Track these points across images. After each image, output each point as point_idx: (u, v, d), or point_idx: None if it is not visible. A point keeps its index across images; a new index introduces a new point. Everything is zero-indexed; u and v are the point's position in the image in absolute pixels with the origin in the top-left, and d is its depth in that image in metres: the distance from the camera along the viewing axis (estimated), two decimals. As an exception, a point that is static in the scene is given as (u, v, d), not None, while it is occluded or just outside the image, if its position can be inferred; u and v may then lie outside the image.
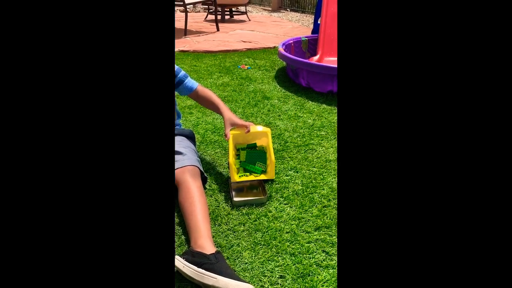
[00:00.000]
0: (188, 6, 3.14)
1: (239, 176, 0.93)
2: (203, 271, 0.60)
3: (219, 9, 4.17)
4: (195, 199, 0.77)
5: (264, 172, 0.96)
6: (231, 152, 0.93)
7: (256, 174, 0.96)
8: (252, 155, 0.97)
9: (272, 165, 0.92)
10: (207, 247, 0.66)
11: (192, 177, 0.83)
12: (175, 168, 0.85)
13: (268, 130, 0.95)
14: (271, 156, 0.93)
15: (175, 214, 0.84)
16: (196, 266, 0.62)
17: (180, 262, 0.63)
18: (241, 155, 0.99)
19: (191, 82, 1.00)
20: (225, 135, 0.91)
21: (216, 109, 0.98)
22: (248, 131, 0.91)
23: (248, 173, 0.96)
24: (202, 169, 0.91)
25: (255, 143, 1.01)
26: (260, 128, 0.96)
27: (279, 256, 0.72)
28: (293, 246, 0.74)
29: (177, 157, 0.90)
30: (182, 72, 1.00)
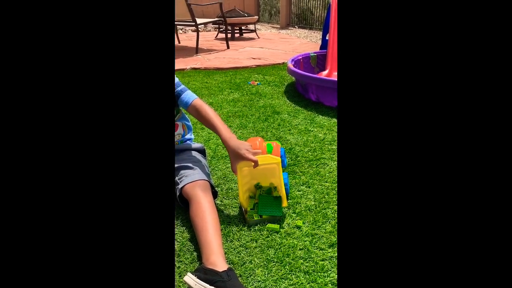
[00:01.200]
0: (199, 26, 3.26)
1: (253, 216, 0.85)
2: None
3: (229, 27, 4.31)
4: (206, 214, 0.77)
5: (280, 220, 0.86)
6: (241, 190, 0.84)
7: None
8: (267, 201, 0.86)
9: (283, 195, 0.86)
10: (219, 264, 0.65)
11: (203, 192, 0.83)
12: (186, 182, 0.86)
13: (278, 160, 0.83)
14: (282, 189, 0.85)
15: (187, 229, 0.83)
16: (208, 284, 0.60)
17: (192, 280, 0.62)
18: (257, 195, 0.87)
19: (187, 96, 0.90)
20: (233, 171, 0.83)
21: (214, 129, 0.86)
22: (256, 165, 0.80)
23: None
24: (213, 183, 0.91)
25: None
26: (267, 156, 0.85)
27: (293, 274, 0.70)
28: (307, 264, 0.72)
29: (188, 171, 0.91)
30: (181, 86, 0.92)
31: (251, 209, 0.86)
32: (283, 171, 1.09)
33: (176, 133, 1.03)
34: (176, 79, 0.95)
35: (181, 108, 0.99)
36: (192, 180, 0.86)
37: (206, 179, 0.88)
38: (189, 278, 0.62)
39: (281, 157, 0.94)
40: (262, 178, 0.87)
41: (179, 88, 0.92)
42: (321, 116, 1.61)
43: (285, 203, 0.86)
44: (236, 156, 0.81)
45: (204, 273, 0.63)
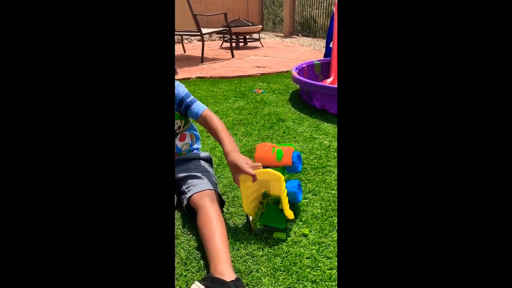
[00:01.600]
0: (204, 35, 3.32)
1: (257, 225, 0.85)
2: None
3: (234, 37, 4.37)
4: (214, 223, 0.77)
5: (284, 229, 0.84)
6: (246, 201, 0.84)
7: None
8: (272, 211, 0.86)
9: (285, 208, 0.82)
10: (227, 273, 0.65)
11: (210, 202, 0.83)
12: (194, 192, 0.87)
13: (280, 177, 0.79)
14: (284, 201, 0.81)
15: (193, 238, 0.84)
16: None
17: None
18: (264, 204, 0.86)
19: (197, 107, 0.94)
20: (235, 182, 0.83)
21: (219, 141, 0.90)
22: (255, 180, 0.79)
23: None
24: (220, 193, 0.91)
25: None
26: (268, 169, 0.82)
27: (300, 283, 0.69)
28: (314, 273, 0.72)
29: (195, 181, 0.91)
30: (190, 97, 0.95)
31: (256, 217, 0.86)
32: (296, 177, 1.06)
33: (184, 142, 1.04)
34: (185, 90, 0.97)
35: (189, 118, 1.01)
36: (199, 190, 0.86)
37: (213, 188, 0.89)
38: (197, 287, 0.62)
39: (293, 162, 0.89)
40: (267, 188, 0.89)
41: (188, 99, 0.95)
42: (326, 123, 1.61)
43: (290, 216, 0.80)
44: (235, 169, 0.81)
45: (211, 282, 0.63)
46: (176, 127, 1.00)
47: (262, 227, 0.84)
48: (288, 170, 0.92)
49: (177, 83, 0.97)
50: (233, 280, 0.63)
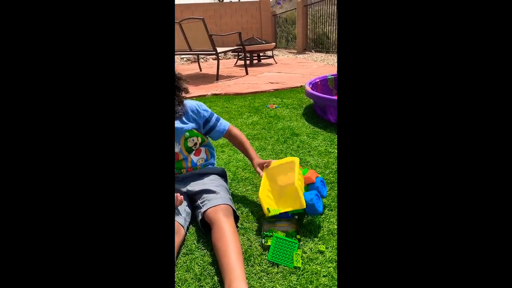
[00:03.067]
0: (219, 54, 3.43)
1: (272, 212, 0.89)
2: None
3: (248, 54, 4.50)
4: (228, 239, 0.77)
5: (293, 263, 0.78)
6: (263, 187, 0.95)
7: (287, 209, 0.89)
8: (281, 245, 0.82)
9: (301, 193, 0.86)
10: None
11: (225, 216, 0.83)
12: (209, 207, 0.87)
13: (294, 159, 0.96)
14: (297, 184, 0.87)
15: (208, 253, 0.83)
16: None
17: None
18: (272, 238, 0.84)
19: (222, 125, 1.08)
20: (259, 173, 1.03)
21: (246, 153, 1.10)
22: (268, 165, 1.01)
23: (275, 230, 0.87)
24: (234, 208, 0.91)
25: (286, 213, 0.89)
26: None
27: (317, 303, 0.66)
28: (332, 292, 0.69)
29: (210, 195, 0.92)
30: (215, 116, 1.07)
31: (267, 208, 0.89)
32: (322, 200, 0.99)
33: (199, 157, 1.06)
34: (208, 110, 1.06)
35: (211, 136, 1.08)
36: (214, 205, 0.86)
37: (229, 203, 0.89)
38: None
39: (316, 187, 0.93)
40: (284, 174, 0.96)
41: (213, 120, 1.06)
42: (341, 137, 1.59)
43: (302, 203, 0.84)
44: (260, 166, 1.05)
45: None
46: (192, 144, 1.03)
47: (277, 214, 0.88)
48: (308, 210, 0.87)
49: (198, 103, 1.06)
50: None
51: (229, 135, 1.10)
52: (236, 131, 1.11)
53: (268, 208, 0.90)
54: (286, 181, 0.93)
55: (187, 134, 1.02)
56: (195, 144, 1.04)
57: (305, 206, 0.85)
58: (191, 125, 1.02)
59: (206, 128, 1.06)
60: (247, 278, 0.73)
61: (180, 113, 0.98)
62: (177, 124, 0.98)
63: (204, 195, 0.93)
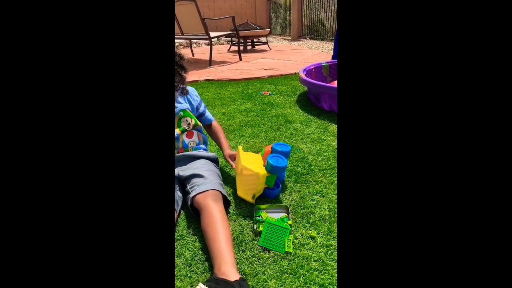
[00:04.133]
0: (212, 39, 3.34)
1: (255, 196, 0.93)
2: None
3: (242, 40, 4.40)
4: (218, 224, 0.76)
5: (284, 248, 0.78)
6: (238, 184, 0.98)
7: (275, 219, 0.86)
8: (273, 231, 0.82)
9: (247, 168, 0.93)
10: (231, 274, 0.64)
11: (214, 202, 0.82)
12: (198, 192, 0.86)
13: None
14: (243, 162, 0.94)
15: (198, 238, 0.82)
16: None
17: None
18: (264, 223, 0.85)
19: (209, 116, 1.18)
20: (232, 165, 1.09)
21: (219, 143, 1.17)
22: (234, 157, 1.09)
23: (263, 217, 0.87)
24: (225, 193, 0.90)
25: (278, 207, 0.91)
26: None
27: (307, 287, 0.67)
28: (322, 276, 0.69)
29: (199, 180, 0.90)
30: (203, 105, 1.16)
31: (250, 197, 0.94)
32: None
33: (191, 140, 1.05)
34: (199, 99, 1.13)
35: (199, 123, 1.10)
36: (203, 190, 0.85)
37: (218, 188, 0.88)
38: None
39: (273, 149, 1.00)
40: (238, 165, 0.99)
41: (202, 107, 1.14)
42: (334, 124, 1.58)
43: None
44: (231, 158, 1.13)
45: (215, 283, 0.62)
46: (185, 125, 1.04)
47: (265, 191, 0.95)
48: (271, 171, 0.92)
49: (193, 88, 1.12)
50: (237, 280, 0.61)
51: (212, 126, 1.19)
52: (217, 123, 1.22)
53: (253, 195, 0.93)
54: (239, 167, 0.96)
55: (181, 113, 1.03)
56: (189, 125, 1.04)
57: (255, 172, 0.90)
58: (185, 105, 1.04)
59: (197, 114, 1.10)
60: (238, 263, 0.73)
61: (182, 89, 1.03)
62: None
63: (193, 180, 0.91)
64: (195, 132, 1.06)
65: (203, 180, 0.90)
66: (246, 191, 0.94)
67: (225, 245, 0.71)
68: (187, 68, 1.04)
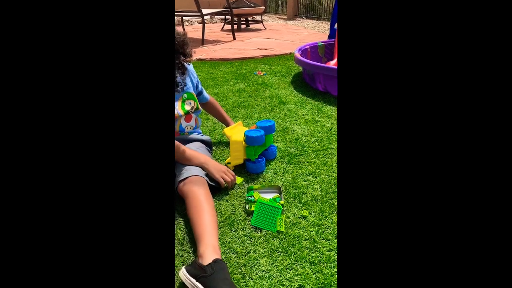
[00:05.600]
0: (205, 17, 3.21)
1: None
2: (199, 285, 0.57)
3: (236, 18, 4.24)
4: (199, 208, 0.75)
5: (276, 227, 0.78)
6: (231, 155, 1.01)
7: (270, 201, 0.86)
8: (264, 210, 0.82)
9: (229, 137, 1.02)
10: (206, 256, 0.62)
11: (197, 186, 0.80)
12: (181, 179, 0.84)
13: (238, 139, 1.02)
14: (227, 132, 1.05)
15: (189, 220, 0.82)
16: (194, 279, 0.58)
17: (183, 275, 0.60)
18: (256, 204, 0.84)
19: (206, 93, 1.19)
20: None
21: (223, 119, 1.23)
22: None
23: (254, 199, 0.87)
24: (207, 179, 0.87)
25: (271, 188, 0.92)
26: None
27: (298, 264, 0.68)
28: (313, 254, 0.70)
29: (179, 169, 0.88)
30: (200, 83, 1.15)
31: (228, 163, 1.02)
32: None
33: (189, 124, 1.04)
34: (197, 78, 1.11)
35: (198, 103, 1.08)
36: (186, 176, 0.84)
37: (200, 174, 0.86)
38: (182, 274, 0.61)
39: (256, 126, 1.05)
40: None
41: (200, 85, 1.14)
42: (328, 106, 1.57)
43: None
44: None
45: (193, 267, 0.61)
46: (189, 107, 1.02)
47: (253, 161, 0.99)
48: (250, 142, 0.98)
49: (191, 65, 1.09)
50: (210, 263, 0.60)
51: (210, 103, 1.20)
52: (214, 99, 1.23)
53: (228, 162, 1.02)
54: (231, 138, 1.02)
55: (185, 96, 1.01)
56: (192, 108, 1.02)
57: (232, 140, 0.99)
58: (189, 86, 1.03)
59: (196, 92, 1.08)
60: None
61: (183, 69, 0.99)
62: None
63: (180, 165, 0.90)
64: (193, 116, 1.04)
65: (187, 166, 0.87)
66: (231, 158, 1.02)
67: (206, 229, 0.69)
68: (191, 54, 0.98)
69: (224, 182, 0.90)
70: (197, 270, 0.60)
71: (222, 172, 0.91)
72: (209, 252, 0.63)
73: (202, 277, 0.58)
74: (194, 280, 0.58)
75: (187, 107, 1.01)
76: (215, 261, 0.61)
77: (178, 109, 0.99)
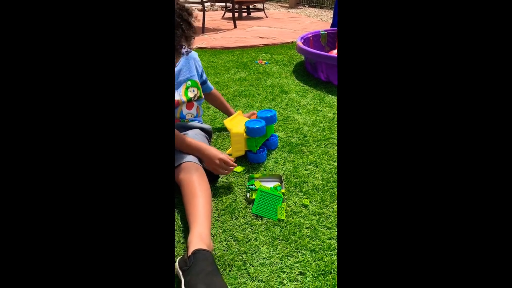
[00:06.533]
0: (206, 5, 3.15)
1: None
2: (182, 278, 0.57)
3: (237, 6, 4.16)
4: (191, 195, 0.73)
5: (277, 215, 0.79)
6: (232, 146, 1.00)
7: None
8: (265, 199, 0.82)
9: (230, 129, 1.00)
10: (191, 246, 0.61)
11: (189, 174, 0.78)
12: (177, 164, 0.82)
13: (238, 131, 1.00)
14: (227, 124, 1.02)
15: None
16: (180, 270, 0.58)
17: (176, 266, 0.60)
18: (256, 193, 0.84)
19: (210, 84, 1.18)
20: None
21: (225, 110, 1.23)
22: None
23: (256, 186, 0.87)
24: (201, 164, 0.86)
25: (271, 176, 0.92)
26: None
27: (299, 252, 0.68)
28: (314, 242, 0.71)
29: (179, 154, 0.86)
30: (204, 74, 1.13)
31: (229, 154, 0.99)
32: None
33: (190, 111, 1.03)
34: (202, 66, 1.09)
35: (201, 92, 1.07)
36: (179, 163, 0.82)
37: (194, 161, 0.84)
38: (176, 265, 0.61)
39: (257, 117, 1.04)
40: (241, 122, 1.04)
41: (204, 75, 1.12)
42: (330, 95, 1.55)
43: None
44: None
45: (182, 259, 0.61)
46: (192, 95, 1.01)
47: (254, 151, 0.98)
48: (250, 134, 0.97)
49: (196, 53, 1.07)
50: (190, 255, 0.59)
51: (213, 93, 1.19)
52: (216, 91, 1.22)
53: (230, 154, 1.01)
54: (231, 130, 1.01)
55: (189, 83, 1.00)
56: (195, 96, 1.02)
57: (233, 132, 0.97)
58: (193, 72, 1.02)
59: (200, 81, 1.07)
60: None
61: (186, 50, 0.88)
62: (182, 68, 0.99)
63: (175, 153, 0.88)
64: (195, 104, 1.03)
65: (180, 155, 0.85)
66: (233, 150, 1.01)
67: (196, 217, 0.68)
68: (195, 27, 0.83)
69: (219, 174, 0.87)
70: (182, 263, 0.60)
71: (216, 164, 0.85)
72: (195, 242, 0.62)
73: (184, 270, 0.57)
74: (180, 272, 0.58)
75: (190, 94, 1.00)
76: (194, 252, 0.59)
77: (182, 95, 0.98)
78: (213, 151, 0.86)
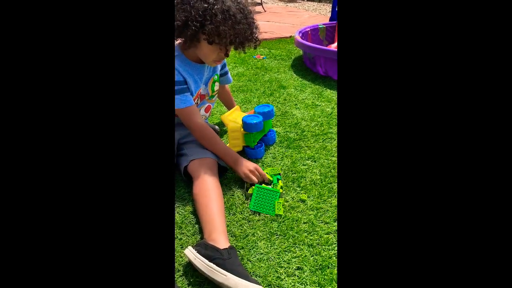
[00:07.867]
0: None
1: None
2: (214, 266, 0.58)
3: (234, 0, 4.10)
4: (210, 191, 0.75)
5: (275, 211, 0.78)
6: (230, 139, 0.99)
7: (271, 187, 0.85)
8: (263, 194, 0.81)
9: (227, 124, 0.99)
10: (221, 241, 0.63)
11: (209, 169, 0.80)
12: (194, 158, 0.84)
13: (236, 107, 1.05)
14: (224, 119, 1.00)
15: (189, 202, 0.82)
16: (207, 259, 0.59)
17: (192, 254, 0.61)
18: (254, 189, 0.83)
19: (230, 76, 1.13)
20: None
21: (230, 105, 1.18)
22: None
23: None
24: (223, 164, 0.88)
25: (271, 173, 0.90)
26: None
27: (296, 247, 0.68)
28: (311, 237, 0.71)
29: (197, 149, 0.88)
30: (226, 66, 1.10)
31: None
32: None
33: (205, 114, 1.02)
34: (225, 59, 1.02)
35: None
36: (200, 157, 0.83)
37: (214, 157, 0.86)
38: (189, 252, 0.61)
39: (254, 112, 1.02)
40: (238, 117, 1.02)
41: (226, 66, 1.09)
42: (329, 90, 1.54)
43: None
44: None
45: (204, 248, 0.62)
46: (217, 89, 1.01)
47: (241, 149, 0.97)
48: (248, 129, 0.95)
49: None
50: (226, 248, 0.61)
51: (226, 87, 1.17)
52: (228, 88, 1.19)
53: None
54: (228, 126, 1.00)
55: (215, 77, 0.99)
56: (217, 91, 1.01)
57: (236, 127, 0.96)
58: (218, 67, 1.00)
59: (222, 72, 1.04)
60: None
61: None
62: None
63: (191, 146, 0.89)
64: (212, 106, 1.04)
65: (200, 148, 0.87)
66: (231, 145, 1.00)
67: (217, 213, 0.70)
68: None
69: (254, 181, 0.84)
70: (211, 252, 0.60)
71: (251, 171, 0.84)
72: (223, 238, 0.64)
73: (218, 259, 0.58)
74: (206, 261, 0.59)
75: (216, 88, 0.99)
76: (232, 247, 0.62)
77: (208, 89, 0.97)
78: (246, 160, 0.87)
